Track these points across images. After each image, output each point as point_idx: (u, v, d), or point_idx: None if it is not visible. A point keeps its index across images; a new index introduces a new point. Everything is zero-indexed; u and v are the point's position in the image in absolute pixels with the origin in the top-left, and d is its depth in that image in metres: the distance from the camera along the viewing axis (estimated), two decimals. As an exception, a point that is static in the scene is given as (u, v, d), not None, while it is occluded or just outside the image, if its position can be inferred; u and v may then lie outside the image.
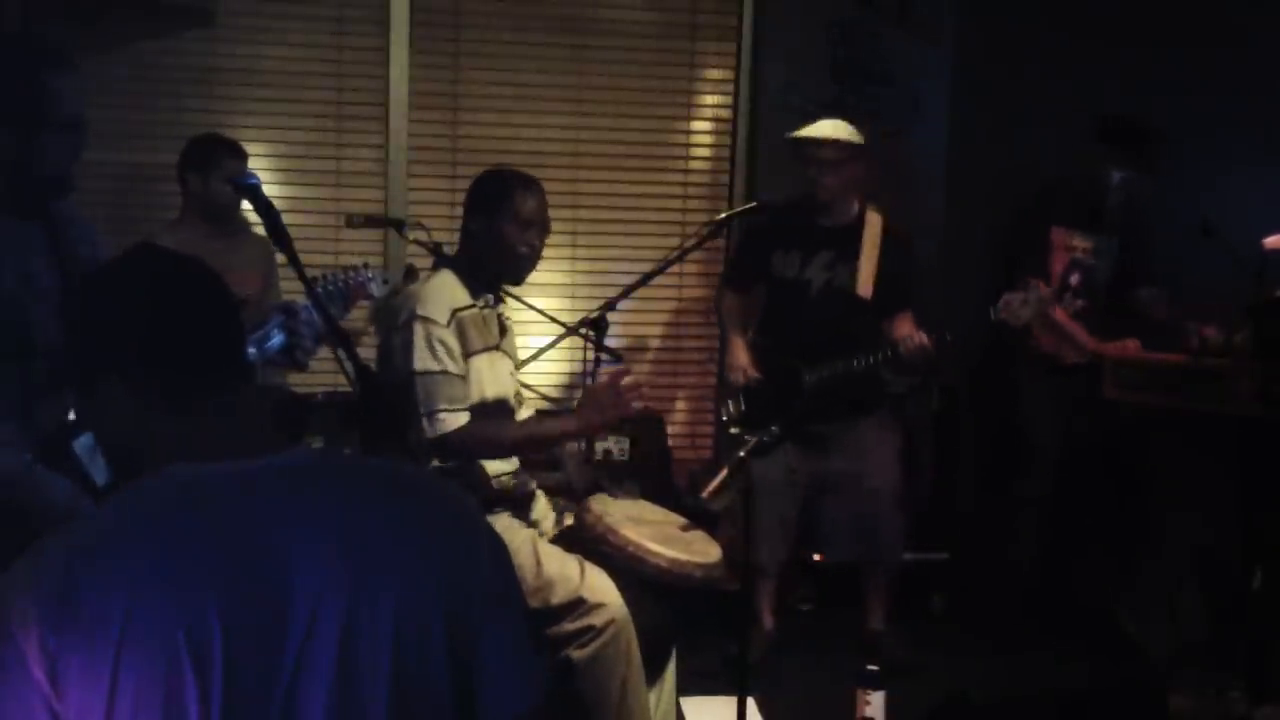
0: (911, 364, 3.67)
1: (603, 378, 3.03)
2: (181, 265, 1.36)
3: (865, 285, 3.79)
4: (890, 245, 3.83)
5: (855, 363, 3.70)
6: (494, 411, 2.97)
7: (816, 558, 4.28)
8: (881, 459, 3.88)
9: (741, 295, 4.04)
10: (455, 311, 2.89)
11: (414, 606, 1.22)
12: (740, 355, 3.88)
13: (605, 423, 2.95)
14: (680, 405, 4.91)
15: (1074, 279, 4.03)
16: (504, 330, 3.11)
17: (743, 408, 3.83)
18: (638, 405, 2.97)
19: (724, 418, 3.89)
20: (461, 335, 2.89)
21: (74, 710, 1.10)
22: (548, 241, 3.11)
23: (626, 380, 2.89)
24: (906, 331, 3.67)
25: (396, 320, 2.89)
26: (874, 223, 3.85)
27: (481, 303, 3.00)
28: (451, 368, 2.84)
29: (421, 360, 2.81)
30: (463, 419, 2.84)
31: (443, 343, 2.83)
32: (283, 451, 1.30)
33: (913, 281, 3.88)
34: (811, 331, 3.79)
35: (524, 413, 3.22)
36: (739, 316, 4.00)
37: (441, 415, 2.82)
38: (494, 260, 2.98)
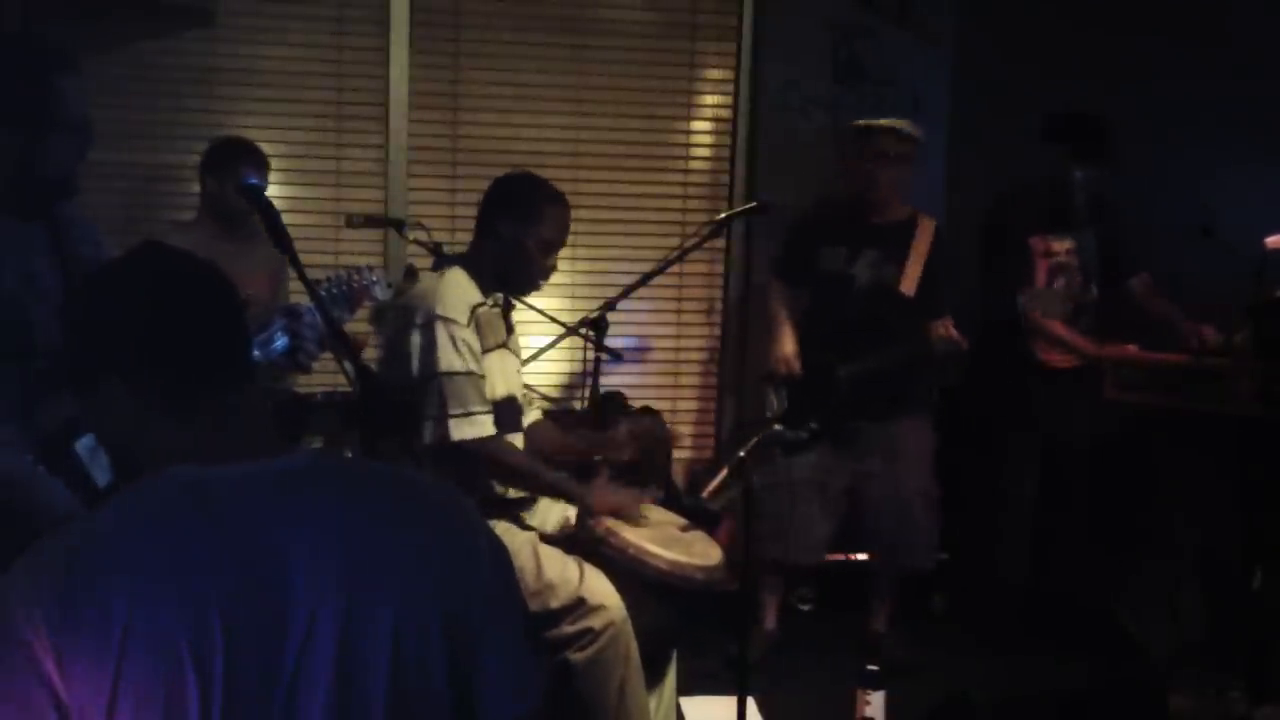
0: (940, 358, 3.67)
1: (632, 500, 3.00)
2: (187, 265, 1.35)
3: (909, 283, 3.81)
4: (939, 252, 3.86)
5: (888, 357, 3.71)
6: (505, 409, 2.97)
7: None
8: (915, 460, 3.88)
9: (792, 288, 4.04)
10: (474, 309, 2.89)
11: (413, 609, 1.22)
12: (787, 346, 3.88)
13: (604, 510, 2.93)
14: (680, 405, 4.91)
15: (1058, 284, 4.03)
16: (510, 329, 3.12)
17: (785, 404, 3.83)
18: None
19: (768, 413, 3.88)
20: (480, 333, 2.89)
21: (76, 707, 1.10)
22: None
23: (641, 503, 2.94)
24: (944, 324, 3.67)
25: (412, 320, 2.86)
26: (927, 227, 3.89)
27: (491, 300, 3.00)
28: (475, 368, 2.83)
29: (448, 361, 2.80)
30: (492, 427, 2.85)
31: (466, 343, 2.82)
32: (284, 453, 1.30)
33: (947, 288, 3.90)
34: (853, 326, 3.81)
35: (532, 414, 3.22)
36: (789, 309, 3.99)
37: (478, 417, 2.81)
38: (510, 269, 2.98)
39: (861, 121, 3.89)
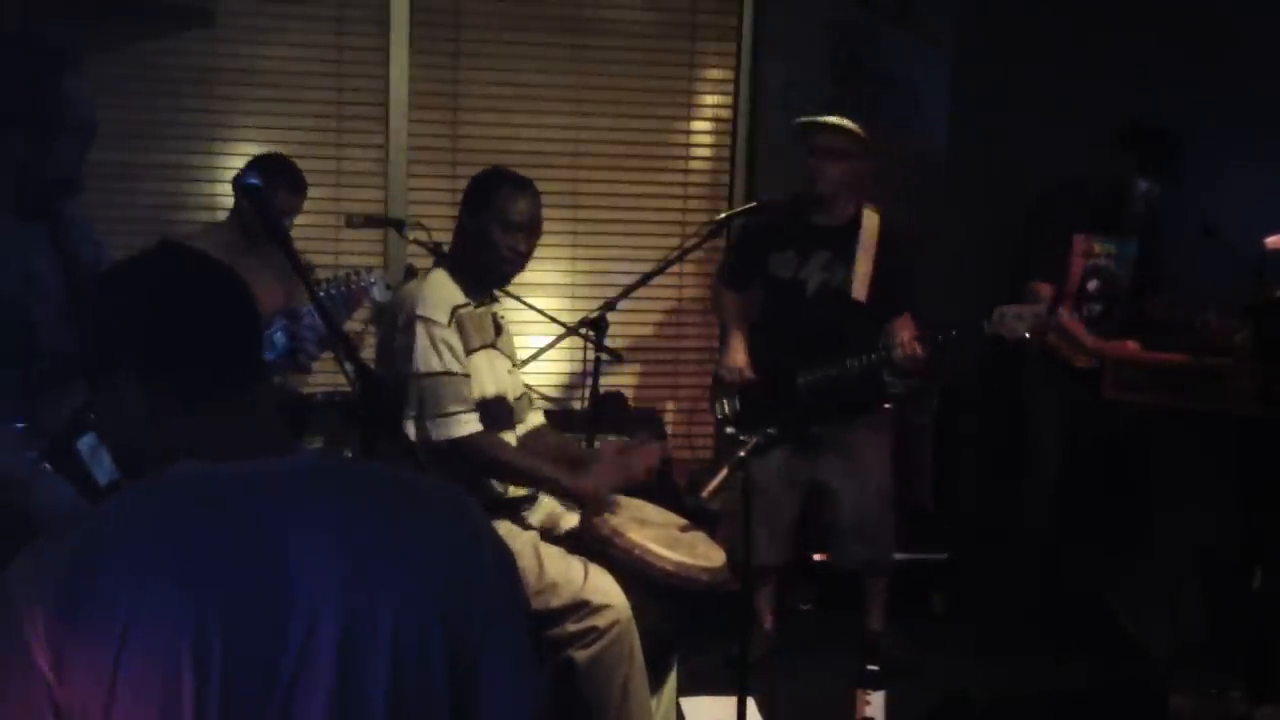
0: (905, 369, 3.67)
1: (626, 447, 3.00)
2: (200, 264, 1.36)
3: (860, 288, 3.77)
4: (888, 246, 3.80)
5: (849, 365, 3.71)
6: (494, 409, 2.97)
7: (817, 557, 4.28)
8: (872, 461, 3.87)
9: (738, 293, 4.03)
10: (455, 310, 2.88)
11: (413, 610, 1.22)
12: (738, 355, 3.87)
13: (613, 488, 2.92)
14: (680, 405, 4.91)
15: (1092, 285, 4.03)
16: (499, 329, 3.11)
17: (738, 407, 3.83)
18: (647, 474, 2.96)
19: (718, 416, 3.89)
20: (462, 333, 2.89)
21: (75, 704, 1.10)
22: (548, 241, 3.10)
23: (645, 452, 2.93)
24: (904, 336, 3.66)
25: (396, 321, 2.88)
26: (870, 223, 3.82)
27: (476, 301, 3.00)
28: (456, 368, 2.83)
29: (427, 362, 2.80)
30: (476, 424, 2.84)
31: (446, 343, 2.82)
32: (288, 453, 1.30)
33: (912, 282, 3.86)
34: (807, 333, 3.78)
35: (534, 416, 3.22)
36: (737, 314, 3.98)
37: (457, 417, 2.81)
38: (479, 260, 2.97)
39: (803, 119, 3.85)
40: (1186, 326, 3.79)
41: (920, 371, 3.71)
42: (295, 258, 2.13)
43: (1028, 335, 3.60)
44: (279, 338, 2.34)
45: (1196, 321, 3.76)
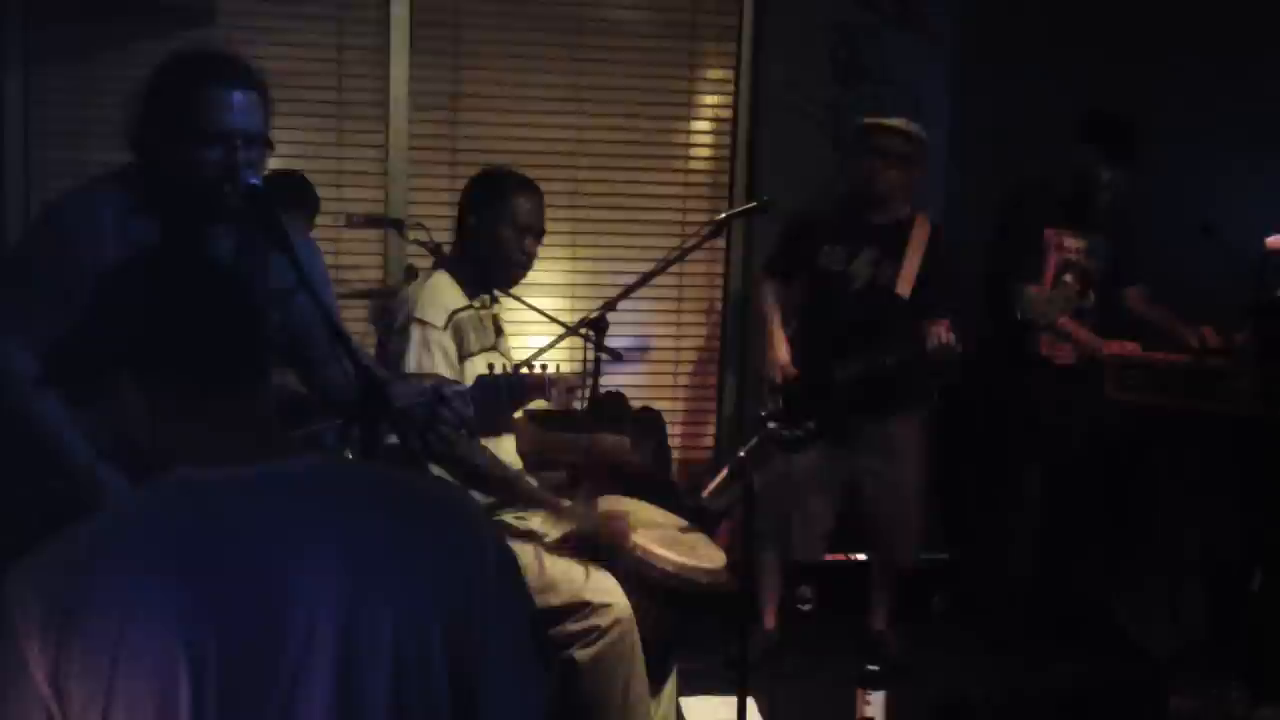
0: (935, 362, 3.68)
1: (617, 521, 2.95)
2: (199, 264, 1.36)
3: (905, 285, 3.81)
4: (934, 250, 3.86)
5: (882, 359, 3.71)
6: (495, 411, 2.97)
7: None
8: (909, 458, 3.89)
9: (783, 286, 4.03)
10: (453, 313, 2.88)
11: (414, 612, 1.22)
12: (781, 352, 3.88)
13: (581, 530, 2.89)
14: (680, 405, 4.91)
15: (1068, 279, 4.02)
16: (499, 331, 3.10)
17: (780, 404, 3.84)
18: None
19: (762, 413, 3.88)
20: (459, 337, 2.88)
21: (72, 708, 1.10)
22: (548, 241, 3.10)
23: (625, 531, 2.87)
24: (938, 328, 3.66)
25: (394, 323, 2.88)
26: (922, 225, 3.89)
27: (478, 304, 2.99)
28: (447, 373, 2.83)
29: (419, 363, 2.80)
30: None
31: (440, 346, 2.82)
32: (288, 457, 1.30)
33: (950, 288, 3.89)
34: (849, 327, 3.81)
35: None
36: (780, 309, 3.99)
37: None
38: (488, 262, 2.98)
39: (867, 119, 3.89)
40: (1183, 345, 3.79)
41: (952, 364, 3.71)
42: (297, 258, 2.12)
43: (1057, 315, 3.66)
44: (421, 407, 2.32)
45: (1193, 341, 3.76)
